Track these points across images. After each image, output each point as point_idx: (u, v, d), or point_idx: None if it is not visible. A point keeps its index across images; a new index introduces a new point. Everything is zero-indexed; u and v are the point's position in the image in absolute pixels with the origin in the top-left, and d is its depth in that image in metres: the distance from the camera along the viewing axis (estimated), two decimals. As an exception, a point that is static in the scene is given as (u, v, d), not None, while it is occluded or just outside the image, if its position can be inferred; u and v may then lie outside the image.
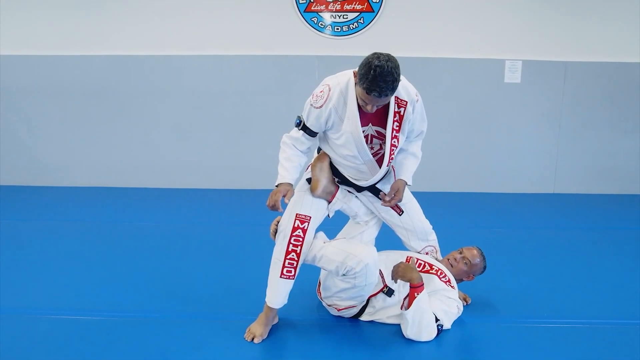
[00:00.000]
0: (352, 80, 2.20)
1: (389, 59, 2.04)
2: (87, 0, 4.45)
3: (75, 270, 3.06)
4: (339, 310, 2.49)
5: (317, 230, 2.47)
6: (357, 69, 2.13)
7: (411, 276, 2.35)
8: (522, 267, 3.18)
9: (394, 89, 2.07)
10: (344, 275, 2.33)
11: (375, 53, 2.07)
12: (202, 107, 4.63)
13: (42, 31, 4.50)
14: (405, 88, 2.23)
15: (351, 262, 2.28)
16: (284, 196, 2.26)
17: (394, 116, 2.25)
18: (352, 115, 2.22)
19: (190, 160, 4.72)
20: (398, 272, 2.38)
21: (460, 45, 4.52)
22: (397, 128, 2.27)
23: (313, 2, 4.44)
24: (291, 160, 2.32)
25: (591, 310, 2.67)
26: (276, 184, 2.31)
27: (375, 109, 2.15)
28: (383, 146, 2.32)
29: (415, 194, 2.66)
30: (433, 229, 2.69)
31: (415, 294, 2.32)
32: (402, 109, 2.25)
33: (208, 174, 4.74)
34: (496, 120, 4.65)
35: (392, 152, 2.31)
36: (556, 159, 4.71)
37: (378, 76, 2.00)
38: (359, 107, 2.20)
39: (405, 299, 2.36)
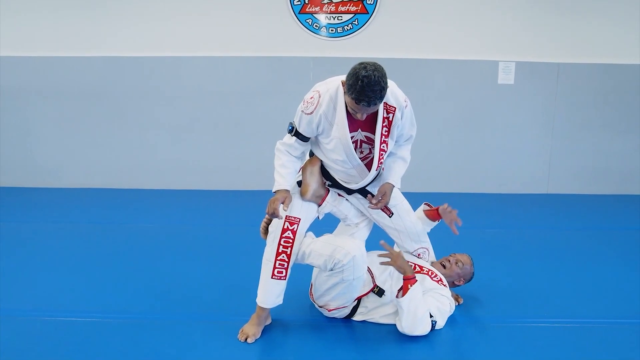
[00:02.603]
0: (342, 86, 2.22)
1: (376, 68, 2.08)
2: (83, 2, 4.47)
3: (70, 272, 3.07)
4: (330, 310, 2.51)
5: (307, 231, 2.50)
6: (345, 77, 2.15)
7: (405, 268, 2.39)
8: (515, 267, 3.21)
9: (382, 97, 2.11)
10: (331, 270, 2.35)
11: (362, 63, 2.10)
12: (197, 108, 4.64)
13: (38, 32, 4.52)
14: (393, 94, 2.25)
15: (339, 255, 2.32)
16: (282, 203, 2.31)
17: (383, 122, 2.28)
18: (341, 121, 2.25)
19: (186, 161, 4.74)
20: (397, 260, 2.38)
21: (454, 47, 4.55)
22: (386, 133, 2.31)
23: (308, 4, 4.47)
24: (286, 167, 2.37)
25: (583, 310, 2.69)
26: (274, 191, 2.35)
27: (365, 116, 2.20)
28: (372, 150, 2.35)
29: (409, 195, 2.68)
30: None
31: (409, 285, 2.36)
32: (390, 115, 2.28)
33: (204, 174, 4.76)
34: (490, 121, 4.68)
35: (381, 157, 2.35)
36: (549, 160, 4.75)
37: (366, 86, 2.04)
38: (348, 113, 2.24)
39: (399, 290, 2.39)
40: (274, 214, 2.31)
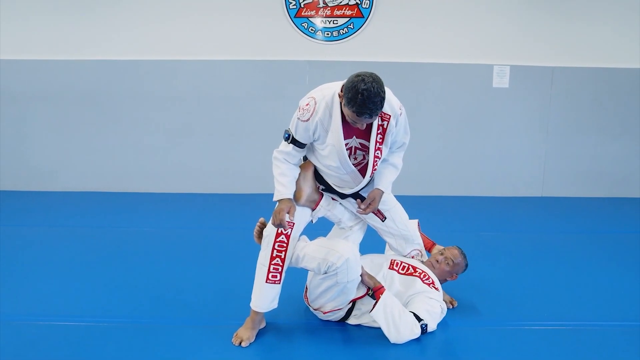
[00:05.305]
0: (338, 94, 2.23)
1: (374, 79, 2.09)
2: (79, 5, 4.48)
3: (65, 276, 3.07)
4: (324, 313, 2.52)
5: (300, 235, 2.50)
6: (342, 86, 2.17)
7: (372, 282, 2.43)
8: (510, 270, 3.22)
9: (382, 106, 2.14)
10: (325, 273, 2.36)
11: (359, 75, 2.11)
12: (193, 111, 4.65)
13: (34, 36, 4.52)
14: (389, 101, 2.26)
15: (332, 258, 2.32)
16: (287, 212, 2.33)
17: (378, 129, 2.30)
18: (336, 128, 2.27)
19: (182, 165, 4.75)
20: (365, 280, 2.45)
21: (449, 51, 4.57)
22: (380, 140, 2.32)
23: (303, 8, 4.48)
24: (286, 175, 2.38)
25: (578, 312, 2.71)
26: (275, 200, 2.37)
27: (365, 125, 2.22)
28: (366, 157, 2.37)
29: (405, 198, 2.69)
30: (422, 232, 2.74)
31: (380, 295, 2.39)
32: (385, 123, 2.30)
33: (199, 178, 4.76)
34: (485, 124, 4.70)
35: (375, 163, 2.36)
36: (544, 163, 4.77)
37: (367, 99, 2.06)
38: (343, 120, 2.25)
39: (373, 305, 2.41)
40: (281, 225, 2.32)
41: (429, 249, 2.78)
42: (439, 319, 2.50)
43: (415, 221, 2.75)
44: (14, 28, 4.50)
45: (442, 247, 2.74)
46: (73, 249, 3.48)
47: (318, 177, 2.49)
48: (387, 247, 2.85)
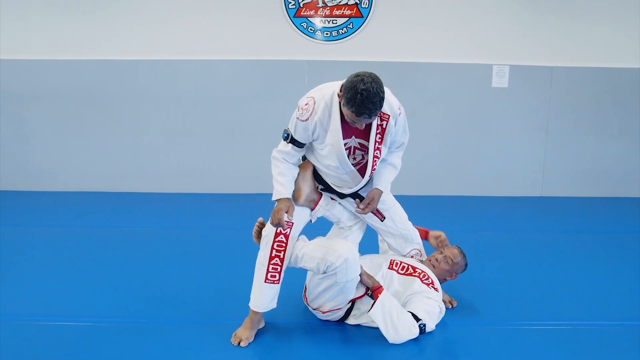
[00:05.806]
0: (337, 93, 2.24)
1: (373, 79, 2.09)
2: (78, 5, 4.48)
3: (64, 275, 3.07)
4: (324, 313, 2.52)
5: (300, 235, 2.50)
6: (341, 86, 2.17)
7: (370, 281, 2.44)
8: (509, 269, 3.22)
9: (381, 107, 2.14)
10: (324, 272, 2.36)
11: (358, 75, 2.11)
12: (192, 111, 4.65)
13: (32, 36, 4.52)
14: (387, 101, 2.26)
15: (331, 258, 2.32)
16: (286, 212, 2.33)
17: (377, 129, 2.30)
18: (335, 128, 2.27)
19: (180, 165, 4.75)
20: (364, 279, 2.46)
21: (448, 50, 4.57)
22: (380, 140, 2.33)
23: (302, 7, 4.48)
24: (285, 175, 2.38)
25: (578, 312, 2.71)
26: (274, 199, 2.37)
27: (364, 125, 2.22)
28: (366, 156, 2.37)
29: (404, 198, 2.68)
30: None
31: (378, 294, 2.40)
32: (384, 122, 2.30)
33: (199, 178, 4.77)
34: (484, 124, 4.70)
35: (374, 163, 2.37)
36: (543, 163, 4.77)
37: (366, 99, 2.06)
38: (342, 120, 2.26)
39: (372, 305, 2.42)
40: (279, 224, 2.33)
41: (424, 238, 2.75)
42: (437, 319, 2.49)
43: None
44: (14, 28, 4.50)
45: (438, 234, 2.73)
46: (73, 249, 3.48)
47: (317, 176, 2.50)
48: (380, 246, 2.84)
